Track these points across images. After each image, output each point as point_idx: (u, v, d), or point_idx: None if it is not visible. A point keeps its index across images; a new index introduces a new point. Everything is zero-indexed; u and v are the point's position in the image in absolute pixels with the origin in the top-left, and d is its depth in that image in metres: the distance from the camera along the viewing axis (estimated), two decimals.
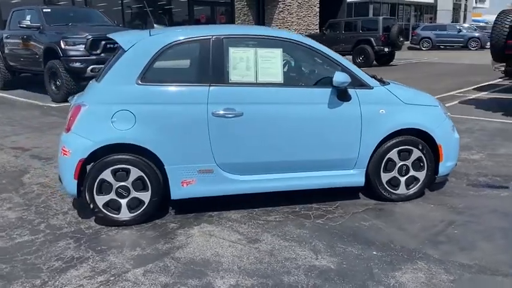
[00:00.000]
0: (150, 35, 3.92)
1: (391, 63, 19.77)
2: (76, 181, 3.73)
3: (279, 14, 22.20)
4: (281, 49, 3.99)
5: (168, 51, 3.84)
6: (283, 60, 4.05)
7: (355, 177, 4.19)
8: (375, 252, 3.39)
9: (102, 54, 9.41)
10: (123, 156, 3.73)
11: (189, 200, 3.98)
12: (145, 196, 3.83)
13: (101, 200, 3.79)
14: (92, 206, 3.79)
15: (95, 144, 3.68)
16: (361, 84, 4.06)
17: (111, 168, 3.72)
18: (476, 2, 49.93)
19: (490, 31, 10.16)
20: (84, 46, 9.46)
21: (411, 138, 4.19)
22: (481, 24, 35.79)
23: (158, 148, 3.75)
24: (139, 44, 3.84)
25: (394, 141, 4.16)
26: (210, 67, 3.84)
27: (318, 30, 23.70)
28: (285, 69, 4.16)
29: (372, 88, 4.09)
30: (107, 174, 3.74)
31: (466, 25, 32.34)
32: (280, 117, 3.92)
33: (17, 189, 4.78)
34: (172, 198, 3.90)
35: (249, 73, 3.91)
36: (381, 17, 19.82)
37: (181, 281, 3.03)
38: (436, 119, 4.29)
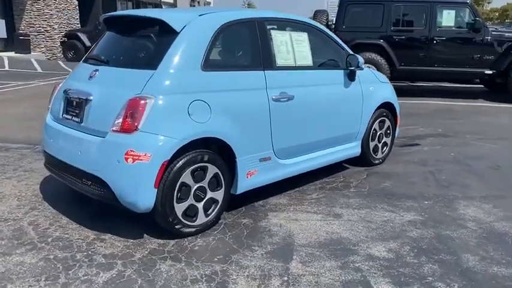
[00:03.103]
0: (199, 15, 3.47)
1: None
2: (156, 190, 3.06)
3: (33, 5, 19.63)
4: (307, 33, 4.15)
5: (222, 33, 3.51)
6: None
7: (355, 148, 4.74)
8: (426, 202, 4.07)
9: None
10: (203, 153, 3.25)
11: None
12: (219, 195, 3.44)
13: (180, 208, 3.21)
14: (171, 218, 3.17)
15: (180, 142, 3.09)
16: (358, 66, 4.61)
17: (192, 167, 3.20)
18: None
19: None
20: None
21: (384, 110, 5.00)
22: None
23: (232, 139, 3.42)
24: (193, 25, 3.36)
25: (376, 114, 4.88)
26: (261, 51, 3.71)
27: (79, 25, 22.15)
28: None
29: (363, 69, 4.69)
30: (187, 176, 3.19)
31: None
32: (318, 98, 4.12)
33: None
34: (237, 192, 3.61)
35: (289, 56, 3.95)
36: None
37: (348, 263, 3.02)
38: (393, 93, 5.22)
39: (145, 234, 3.36)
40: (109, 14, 3.87)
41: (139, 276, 2.80)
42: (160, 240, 3.26)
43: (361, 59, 4.35)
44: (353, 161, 4.95)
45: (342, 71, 4.43)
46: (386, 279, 2.79)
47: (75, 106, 3.43)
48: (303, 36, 4.11)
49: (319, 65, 4.31)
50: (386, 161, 5.21)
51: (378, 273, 2.86)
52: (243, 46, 3.75)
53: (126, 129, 3.03)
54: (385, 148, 5.15)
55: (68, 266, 2.91)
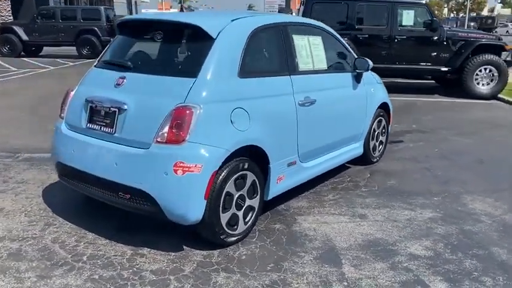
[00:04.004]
0: (231, 20, 3.40)
1: None
2: (206, 201, 2.98)
3: None
4: (321, 37, 4.20)
5: (253, 39, 3.46)
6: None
7: (359, 148, 4.88)
8: (435, 198, 4.28)
9: None
10: (243, 161, 3.21)
11: None
12: (256, 202, 3.42)
13: (224, 218, 3.15)
14: (217, 229, 3.11)
15: (227, 152, 3.04)
16: (367, 69, 4.69)
17: (234, 176, 3.16)
18: None
19: None
20: None
21: (381, 110, 5.18)
22: None
23: (267, 146, 3.41)
24: (228, 31, 3.29)
25: (375, 114, 5.05)
26: (286, 56, 3.72)
27: (12, 18, 20.76)
28: None
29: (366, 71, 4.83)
30: (231, 185, 3.14)
31: None
32: (333, 101, 4.20)
33: None
34: (268, 198, 3.61)
35: (308, 61, 3.98)
36: (102, 7, 19.15)
37: (396, 263, 3.12)
38: (387, 93, 5.42)
39: (184, 246, 3.26)
40: (130, 17, 3.70)
41: None
42: (202, 251, 3.19)
43: (370, 62, 4.47)
44: (353, 160, 5.08)
45: (350, 73, 4.54)
46: (437, 277, 2.93)
47: (104, 116, 3.25)
48: (318, 40, 4.16)
49: (332, 68, 4.38)
50: (382, 158, 5.41)
51: (427, 272, 2.99)
52: (271, 51, 3.72)
53: (173, 140, 2.92)
54: (381, 146, 5.34)
55: (120, 286, 2.78)
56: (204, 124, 2.97)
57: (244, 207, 3.30)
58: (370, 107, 4.86)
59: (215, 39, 3.21)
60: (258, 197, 3.42)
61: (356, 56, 4.59)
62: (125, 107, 3.13)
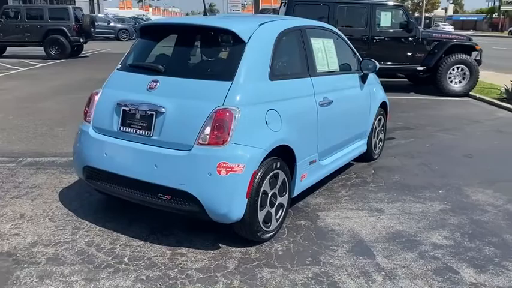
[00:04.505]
0: (259, 24, 3.50)
1: (80, 54, 19.09)
2: (247, 200, 3.09)
3: None
4: (332, 39, 4.38)
5: (279, 42, 3.59)
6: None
7: (363, 146, 5.10)
8: (440, 191, 4.55)
9: None
10: (276, 161, 3.34)
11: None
12: (285, 199, 3.56)
13: (261, 215, 3.27)
14: (256, 226, 3.22)
15: (265, 152, 3.16)
16: (374, 70, 4.90)
17: (269, 175, 3.28)
18: None
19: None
20: None
21: (381, 109, 5.42)
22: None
23: (294, 145, 3.55)
24: (258, 35, 3.40)
25: (377, 113, 5.28)
26: (306, 58, 3.87)
27: None
28: None
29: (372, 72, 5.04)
30: (266, 184, 3.27)
31: (111, 16, 33.86)
32: (347, 101, 4.40)
33: None
34: (293, 195, 3.75)
35: (324, 62, 4.15)
36: (70, 6, 18.66)
37: (423, 252, 3.33)
38: (384, 92, 5.66)
39: (220, 244, 3.35)
40: (155, 22, 3.74)
41: (250, 286, 2.84)
42: (239, 248, 3.29)
43: (376, 64, 4.69)
44: (355, 158, 5.30)
45: (358, 74, 4.74)
46: (464, 264, 3.16)
47: (139, 119, 3.28)
48: (331, 43, 4.33)
49: (342, 69, 4.56)
50: (380, 155, 5.65)
51: (453, 260, 3.22)
52: (294, 54, 3.85)
53: (215, 142, 3.01)
54: (380, 143, 5.59)
55: (170, 285, 2.84)
56: (243, 126, 3.08)
57: (276, 205, 3.43)
58: (373, 106, 5.08)
59: (247, 43, 3.31)
60: (287, 194, 3.56)
61: (361, 58, 4.80)
62: (163, 110, 3.18)
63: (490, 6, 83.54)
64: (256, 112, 3.20)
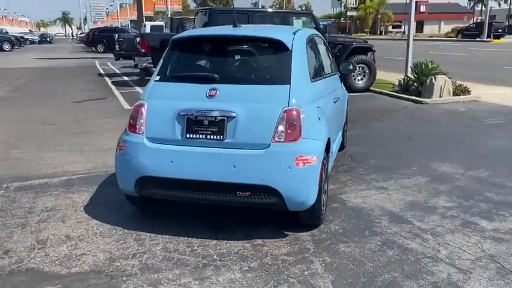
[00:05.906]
0: (293, 33, 3.94)
1: None
2: (318, 187, 3.52)
3: None
4: (323, 44, 4.99)
5: (308, 48, 4.08)
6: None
7: (341, 137, 5.80)
8: (414, 168, 5.45)
9: None
10: (325, 151, 3.83)
11: None
12: (326, 185, 4.05)
13: (324, 200, 3.74)
14: (322, 211, 3.68)
15: (324, 144, 3.64)
16: (353, 71, 5.64)
17: (324, 164, 3.76)
18: None
19: None
20: None
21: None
22: None
23: (331, 137, 4.08)
24: (296, 42, 3.84)
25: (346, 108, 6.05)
26: (320, 61, 4.44)
27: None
28: None
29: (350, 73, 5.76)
30: (324, 172, 3.74)
31: None
32: (340, 98, 5.05)
33: None
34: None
35: (327, 65, 4.76)
36: None
37: (444, 213, 4.08)
38: None
39: (284, 232, 3.72)
40: (194, 34, 3.91)
41: (341, 259, 3.28)
42: (304, 232, 3.70)
43: (356, 65, 5.43)
44: None
45: (338, 75, 5.42)
46: (477, 217, 4.00)
47: (208, 125, 3.49)
48: (324, 47, 4.94)
49: (333, 70, 5.19)
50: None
51: (466, 215, 4.04)
52: (316, 58, 4.36)
53: (290, 138, 3.39)
54: (345, 134, 6.36)
55: (275, 270, 3.15)
56: (307, 122, 3.50)
57: (325, 191, 3.91)
58: (345, 101, 5.83)
59: (291, 50, 3.74)
60: (328, 181, 4.06)
61: (342, 60, 5.51)
62: (233, 114, 3.44)
63: (336, 12, 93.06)
64: (312, 110, 3.65)
